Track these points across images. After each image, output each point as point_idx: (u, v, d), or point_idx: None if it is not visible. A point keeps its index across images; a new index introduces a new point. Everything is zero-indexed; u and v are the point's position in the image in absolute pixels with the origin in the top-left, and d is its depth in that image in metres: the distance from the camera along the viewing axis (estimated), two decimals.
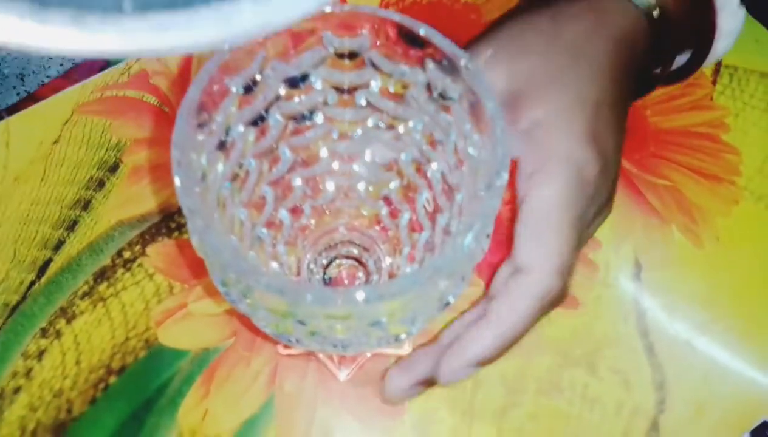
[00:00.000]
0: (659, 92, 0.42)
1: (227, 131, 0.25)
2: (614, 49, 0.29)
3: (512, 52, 0.29)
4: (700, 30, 0.33)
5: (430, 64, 0.25)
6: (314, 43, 0.26)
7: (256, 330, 0.35)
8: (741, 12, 0.33)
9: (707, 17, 0.32)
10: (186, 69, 0.43)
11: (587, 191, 0.27)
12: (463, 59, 0.23)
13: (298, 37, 0.25)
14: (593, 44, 0.29)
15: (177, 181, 0.21)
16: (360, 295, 0.20)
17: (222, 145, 0.25)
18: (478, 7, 0.46)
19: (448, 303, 0.23)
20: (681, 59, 0.35)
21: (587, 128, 0.27)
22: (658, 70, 0.34)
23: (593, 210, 0.28)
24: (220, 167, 0.25)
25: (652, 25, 0.31)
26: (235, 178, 0.26)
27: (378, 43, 0.26)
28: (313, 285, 0.21)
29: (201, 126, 0.23)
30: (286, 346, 0.34)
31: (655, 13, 0.31)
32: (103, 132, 0.41)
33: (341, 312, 0.21)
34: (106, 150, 0.40)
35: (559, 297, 0.27)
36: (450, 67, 0.24)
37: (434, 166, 0.29)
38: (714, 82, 0.43)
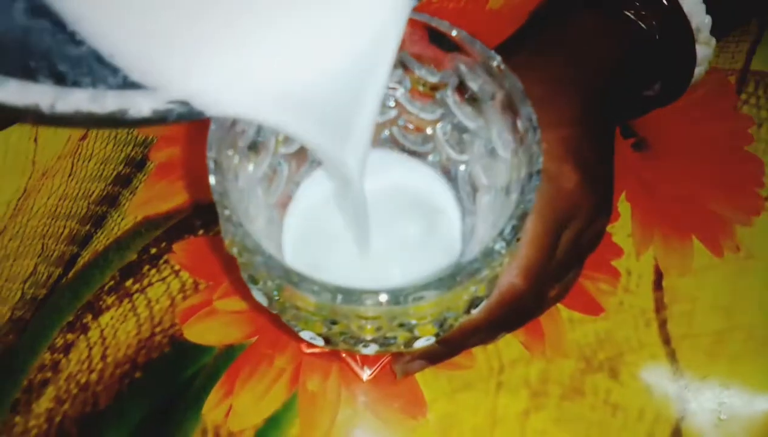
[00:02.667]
0: (681, 102, 0.42)
1: (259, 131, 0.25)
2: (590, 75, 0.32)
3: None
4: (682, 55, 0.35)
5: (462, 67, 0.25)
6: None
7: (280, 329, 0.35)
8: (712, 40, 0.35)
9: (688, 44, 0.35)
10: None
11: (562, 202, 0.29)
12: (495, 61, 0.23)
13: None
14: (567, 73, 0.31)
15: (212, 180, 0.21)
16: (388, 297, 0.20)
17: (253, 145, 0.25)
18: (504, 15, 0.45)
19: (477, 305, 0.23)
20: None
21: (563, 146, 0.29)
22: (651, 92, 0.37)
23: (579, 220, 0.30)
24: (251, 167, 0.25)
25: (638, 50, 0.34)
26: (265, 177, 0.26)
27: (409, 45, 0.26)
28: (344, 286, 0.21)
29: (234, 124, 0.23)
30: (309, 345, 0.34)
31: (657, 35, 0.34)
32: (130, 128, 0.41)
33: (371, 313, 0.21)
34: (133, 146, 0.41)
35: (525, 299, 0.28)
36: (483, 69, 0.24)
37: (462, 167, 0.29)
38: (738, 92, 0.43)
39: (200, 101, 0.18)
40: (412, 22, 0.25)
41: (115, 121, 0.16)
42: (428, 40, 0.25)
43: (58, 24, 0.15)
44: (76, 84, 0.15)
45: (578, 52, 0.33)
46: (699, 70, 0.36)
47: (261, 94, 0.19)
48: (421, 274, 0.28)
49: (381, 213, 0.28)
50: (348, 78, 0.20)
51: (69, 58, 0.15)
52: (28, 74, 0.15)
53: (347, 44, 0.20)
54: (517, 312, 0.29)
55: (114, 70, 0.16)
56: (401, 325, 0.22)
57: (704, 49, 0.35)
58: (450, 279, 0.20)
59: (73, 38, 0.16)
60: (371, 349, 0.24)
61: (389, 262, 0.29)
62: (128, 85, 0.16)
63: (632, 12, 0.33)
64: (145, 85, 0.17)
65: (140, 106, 0.16)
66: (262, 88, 0.19)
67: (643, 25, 0.33)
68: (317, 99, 0.20)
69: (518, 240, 0.23)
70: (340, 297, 0.20)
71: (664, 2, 0.33)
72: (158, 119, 0.17)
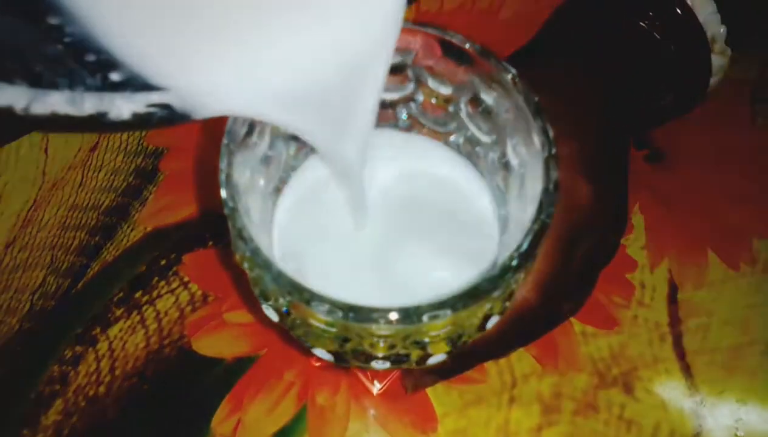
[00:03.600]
0: (695, 113, 0.41)
1: (271, 145, 0.25)
2: (604, 86, 0.31)
3: None
4: (697, 66, 0.35)
5: (476, 79, 0.24)
6: None
7: (289, 342, 0.34)
8: (728, 50, 0.34)
9: (703, 54, 0.34)
10: None
11: (576, 215, 0.28)
12: (510, 74, 0.23)
13: None
14: (580, 84, 0.31)
15: (223, 194, 0.21)
16: (400, 316, 0.19)
17: (265, 159, 0.25)
18: (516, 24, 0.45)
19: (492, 322, 0.23)
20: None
21: (576, 158, 0.29)
22: (665, 103, 0.36)
23: (593, 233, 0.29)
24: (262, 181, 0.25)
25: (653, 61, 0.33)
26: (275, 191, 0.26)
27: (422, 58, 0.25)
28: (357, 304, 0.21)
29: (246, 137, 0.23)
30: (319, 358, 0.34)
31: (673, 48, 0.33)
32: (140, 139, 0.41)
33: (384, 332, 0.21)
34: (144, 157, 0.41)
35: (538, 314, 0.28)
36: (497, 82, 0.24)
37: None
38: (754, 102, 0.42)
39: (193, 99, 0.17)
40: (425, 36, 0.24)
41: (94, 124, 0.15)
42: (441, 53, 0.24)
43: (33, 20, 0.15)
44: (52, 85, 0.15)
45: (591, 62, 0.32)
46: (714, 81, 0.35)
47: (259, 92, 0.19)
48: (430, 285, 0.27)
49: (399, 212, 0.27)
50: (345, 73, 0.20)
51: (45, 58, 0.15)
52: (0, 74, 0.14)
53: (344, 39, 0.19)
54: (530, 326, 0.29)
55: (93, 71, 0.15)
56: (414, 343, 0.22)
57: (719, 59, 0.35)
58: (466, 297, 0.20)
59: (49, 36, 0.15)
60: (383, 366, 0.24)
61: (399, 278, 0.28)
62: (108, 86, 0.16)
63: (646, 22, 0.33)
64: (126, 87, 0.16)
65: (120, 109, 0.16)
66: (260, 86, 0.19)
67: (657, 36, 0.33)
68: (315, 94, 0.20)
69: (535, 257, 0.22)
70: (351, 315, 0.20)
71: (679, 12, 0.33)
72: (139, 123, 0.16)
